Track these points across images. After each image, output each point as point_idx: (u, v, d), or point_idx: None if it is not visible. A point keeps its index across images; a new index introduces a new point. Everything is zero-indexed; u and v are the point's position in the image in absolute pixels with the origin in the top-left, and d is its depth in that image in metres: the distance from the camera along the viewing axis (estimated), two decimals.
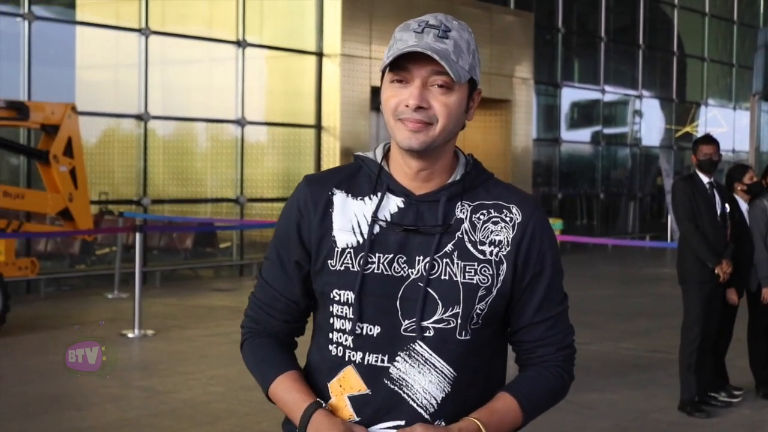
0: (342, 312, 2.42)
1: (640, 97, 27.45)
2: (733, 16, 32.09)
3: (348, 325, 2.41)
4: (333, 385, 2.43)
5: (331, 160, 17.64)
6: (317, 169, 17.80)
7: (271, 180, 18.11)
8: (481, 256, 2.39)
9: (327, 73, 17.90)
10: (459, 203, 2.43)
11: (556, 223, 21.37)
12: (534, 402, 2.45)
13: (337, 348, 2.43)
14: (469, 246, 2.40)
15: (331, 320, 2.45)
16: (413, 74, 2.33)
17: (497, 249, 2.40)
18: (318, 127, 17.86)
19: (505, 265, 2.40)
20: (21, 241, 13.71)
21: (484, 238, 2.40)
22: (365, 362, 2.39)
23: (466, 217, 2.42)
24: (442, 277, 2.37)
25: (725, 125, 31.11)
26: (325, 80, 17.92)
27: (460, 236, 2.40)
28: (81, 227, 12.43)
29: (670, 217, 24.07)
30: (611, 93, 26.29)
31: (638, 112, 27.70)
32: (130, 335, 10.63)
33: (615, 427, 7.53)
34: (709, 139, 8.10)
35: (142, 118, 16.04)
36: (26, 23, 14.56)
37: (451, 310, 2.37)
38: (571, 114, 25.28)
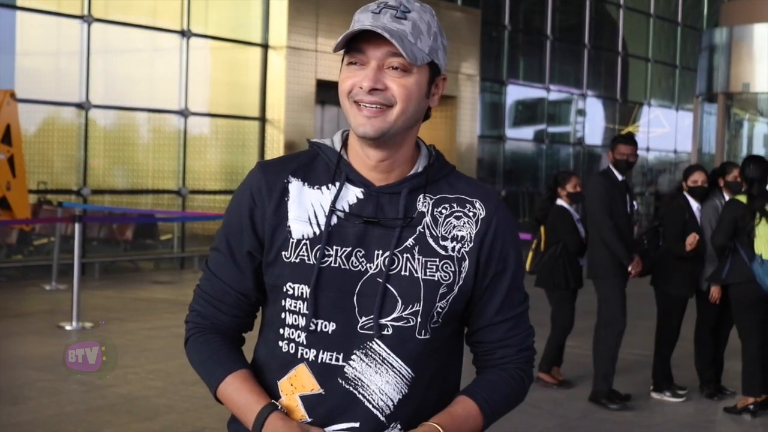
0: (295, 307, 2.30)
1: (584, 96, 27.60)
2: (677, 17, 32.36)
3: (302, 321, 2.29)
4: (283, 384, 2.31)
5: (275, 152, 17.49)
6: None
7: (213, 172, 17.96)
8: (443, 252, 2.30)
9: (272, 66, 17.76)
10: (421, 196, 2.33)
11: None
12: (495, 406, 2.36)
13: (288, 344, 2.31)
14: (430, 241, 2.30)
15: (283, 315, 2.32)
16: (368, 56, 2.24)
17: (459, 245, 2.31)
18: (262, 119, 17.71)
19: (467, 261, 2.31)
20: None
21: (446, 233, 2.31)
22: (319, 360, 2.28)
23: (427, 211, 2.32)
24: (402, 272, 2.27)
25: (668, 126, 31.38)
26: (270, 72, 17.78)
27: (422, 230, 2.30)
28: (18, 217, 12.22)
29: None
30: (556, 91, 26.41)
31: (582, 111, 27.86)
32: (68, 327, 10.44)
33: (561, 426, 7.51)
34: (629, 139, 8.17)
35: (83, 106, 15.79)
36: (15, 12, 14.30)
37: (411, 308, 2.27)
38: (515, 112, 25.35)
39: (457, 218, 2.33)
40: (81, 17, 15.81)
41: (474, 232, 2.32)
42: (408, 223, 2.30)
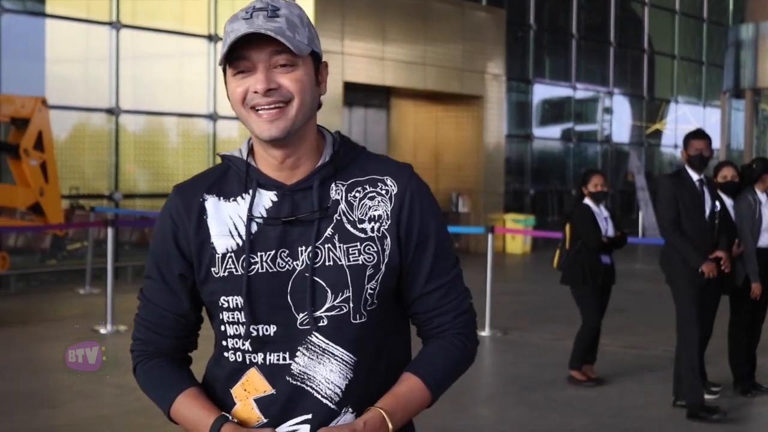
0: (233, 318, 2.36)
1: (610, 94, 27.52)
2: (702, 14, 32.24)
3: (242, 330, 2.35)
4: (237, 391, 2.38)
5: None
6: None
7: None
8: (362, 235, 2.34)
9: None
10: (333, 185, 2.36)
11: (528, 220, 21.48)
12: (438, 377, 2.40)
13: (235, 354, 2.38)
14: (348, 227, 2.34)
15: (223, 328, 2.39)
16: (254, 60, 2.27)
17: (378, 224, 2.35)
18: None
19: (389, 239, 2.35)
20: None
21: (362, 215, 2.34)
22: (267, 362, 2.34)
23: (342, 198, 2.35)
24: (327, 263, 2.31)
25: (695, 122, 31.24)
26: None
27: (338, 218, 2.34)
28: (52, 222, 12.33)
29: (641, 214, 24.17)
30: (582, 90, 26.36)
31: (609, 109, 27.78)
32: (103, 331, 10.54)
33: (594, 423, 7.51)
34: (700, 134, 7.81)
35: (113, 112, 15.91)
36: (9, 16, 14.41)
37: (342, 296, 2.31)
38: (542, 110, 25.31)
39: (371, 199, 2.36)
40: (109, 24, 15.93)
41: (389, 209, 2.35)
42: (324, 214, 2.33)
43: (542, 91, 25.10)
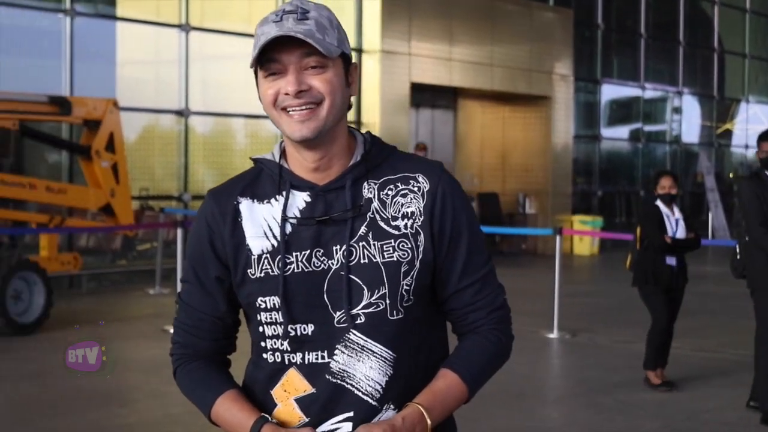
0: (271, 318, 2.39)
1: (680, 93, 27.23)
2: None
3: (280, 330, 2.38)
4: (277, 392, 2.40)
5: None
6: None
7: None
8: (396, 232, 2.36)
9: (367, 70, 17.86)
10: (365, 183, 2.39)
11: (595, 221, 21.31)
12: (475, 372, 2.42)
13: (273, 355, 2.40)
14: (382, 224, 2.36)
15: (261, 329, 2.42)
16: (284, 63, 2.30)
17: (411, 221, 2.37)
18: (358, 123, 17.82)
19: (422, 235, 2.37)
20: (63, 236, 13.76)
21: (395, 212, 2.37)
22: (306, 362, 2.36)
23: (374, 196, 2.38)
24: (362, 261, 2.34)
25: (766, 122, 30.80)
26: (364, 76, 17.87)
27: (372, 216, 2.37)
28: (122, 223, 12.46)
29: (710, 215, 23.89)
30: (651, 90, 26.11)
31: (678, 109, 27.49)
32: (172, 331, 10.63)
33: (666, 427, 7.44)
34: None
35: (182, 113, 16.07)
36: (68, 19, 14.62)
37: (378, 293, 2.34)
38: (610, 111, 25.11)
39: (404, 196, 2.38)
40: (179, 26, 16.09)
41: (422, 205, 2.38)
42: (357, 212, 2.36)
43: (610, 91, 24.90)
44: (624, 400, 8.13)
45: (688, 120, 28.08)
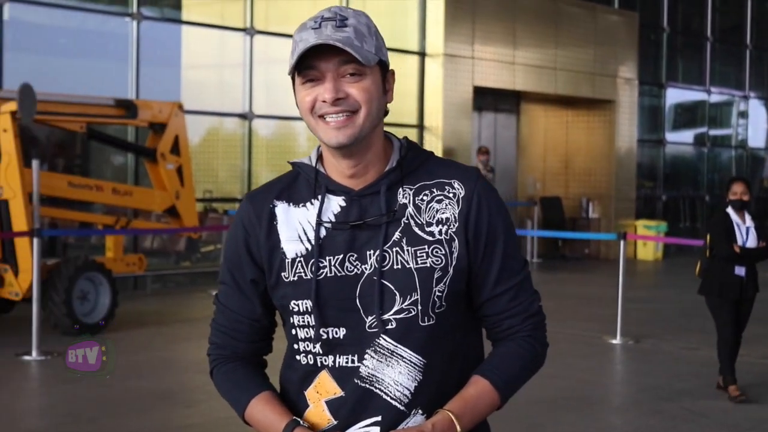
0: (304, 321, 2.40)
1: (746, 98, 26.89)
2: None
3: (312, 333, 2.40)
4: (310, 393, 2.43)
5: None
6: None
7: None
8: (430, 238, 2.36)
9: (429, 73, 17.86)
10: (401, 189, 2.39)
11: (659, 226, 21.12)
12: (508, 379, 2.41)
13: (306, 357, 2.43)
14: (416, 230, 2.36)
15: (294, 331, 2.44)
16: (322, 70, 2.31)
17: (446, 227, 2.37)
18: (420, 126, 17.82)
19: (456, 241, 2.37)
20: (128, 237, 13.90)
21: (430, 218, 2.37)
22: (337, 365, 2.38)
23: (409, 202, 2.38)
24: (395, 266, 2.34)
25: None
26: (427, 80, 17.88)
27: (406, 222, 2.37)
28: (187, 224, 12.56)
29: None
30: (717, 94, 25.81)
31: (744, 113, 27.15)
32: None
33: None
34: None
35: (246, 116, 16.17)
36: (135, 23, 14.77)
37: (410, 299, 2.34)
38: (675, 115, 24.86)
39: (439, 202, 2.38)
40: (243, 30, 16.20)
41: (457, 211, 2.37)
42: (392, 218, 2.36)
43: (675, 95, 24.64)
44: (689, 408, 8.04)
45: (754, 124, 27.71)
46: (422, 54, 17.93)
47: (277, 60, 17.29)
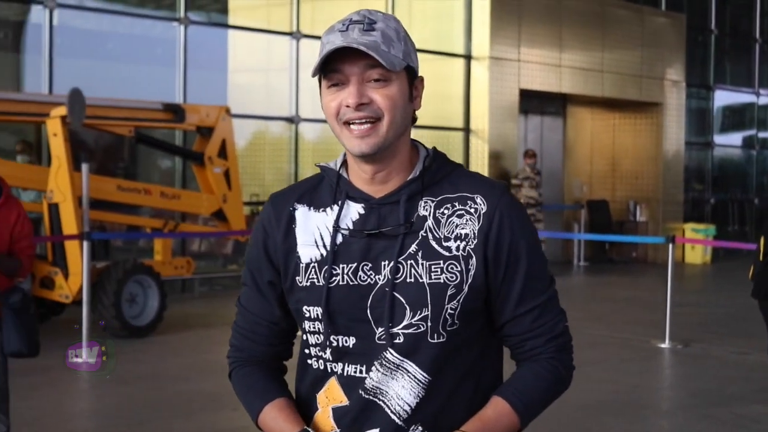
0: (315, 327, 2.37)
1: None
2: None
3: (322, 339, 2.36)
4: (320, 397, 2.40)
5: (480, 162, 17.54)
6: None
7: None
8: (446, 253, 2.30)
9: (475, 76, 17.83)
10: (422, 200, 2.34)
11: (708, 229, 20.95)
12: (529, 402, 2.35)
13: (317, 362, 2.40)
14: (433, 244, 2.30)
15: (305, 337, 2.42)
16: (347, 74, 2.27)
17: (464, 243, 2.30)
18: (466, 130, 17.80)
19: (474, 259, 2.30)
20: (177, 241, 13.99)
21: (449, 233, 2.31)
22: (345, 373, 2.35)
23: (429, 214, 2.32)
24: (408, 279, 2.29)
25: None
26: (473, 83, 17.85)
27: (424, 234, 2.31)
28: (234, 228, 12.62)
29: None
30: (766, 96, 25.56)
31: None
32: None
33: None
34: None
35: (292, 120, 16.22)
36: (182, 28, 14.87)
37: (420, 314, 2.28)
38: (723, 117, 24.65)
39: (459, 216, 2.32)
40: (290, 34, 16.25)
41: (477, 228, 2.31)
42: (409, 229, 2.31)
43: (723, 98, 24.43)
44: (740, 413, 7.96)
45: None
46: (468, 57, 17.90)
47: None
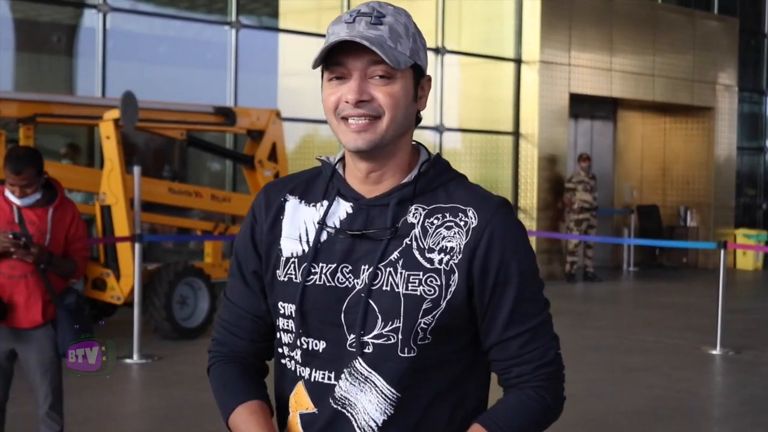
0: (287, 326, 2.27)
1: None
2: None
3: (293, 340, 2.26)
4: (291, 400, 2.29)
5: (529, 167, 17.49)
6: (515, 176, 17.72)
7: None
8: (428, 265, 2.17)
9: (525, 80, 17.77)
10: (413, 207, 2.21)
11: (760, 235, 20.73)
12: None
13: (290, 362, 2.29)
14: (416, 253, 2.18)
15: (279, 334, 2.31)
16: (349, 68, 2.17)
17: (448, 257, 2.17)
18: (516, 134, 17.74)
19: (456, 274, 2.16)
20: (226, 243, 14.05)
21: (434, 244, 2.17)
22: (312, 379, 2.24)
23: (418, 222, 2.20)
24: (384, 288, 2.17)
25: None
26: (523, 87, 17.79)
27: (408, 243, 2.18)
28: None
29: None
30: None
31: None
32: None
33: None
34: None
35: None
36: (233, 31, 14.96)
37: (391, 325, 2.16)
38: None
39: (448, 228, 2.19)
40: None
41: (464, 242, 2.17)
42: (393, 234, 2.19)
43: None
44: None
45: None
46: (518, 61, 17.85)
47: None
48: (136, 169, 10.44)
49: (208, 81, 15.70)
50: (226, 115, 12.14)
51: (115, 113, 10.57)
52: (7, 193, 5.64)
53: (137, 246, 9.94)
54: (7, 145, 10.29)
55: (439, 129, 17.27)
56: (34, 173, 5.60)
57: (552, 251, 17.81)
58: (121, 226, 10.66)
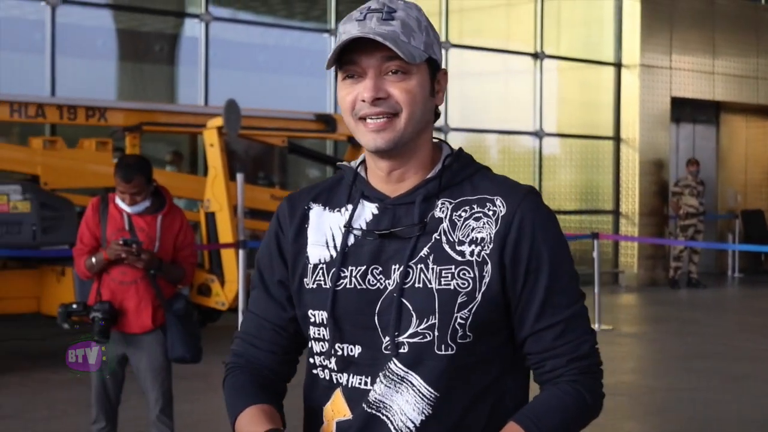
0: (319, 334, 2.22)
1: None
2: None
3: (327, 347, 2.20)
4: (326, 410, 2.23)
5: (630, 172, 17.30)
6: (616, 182, 17.55)
7: (568, 192, 17.95)
8: (459, 258, 2.12)
9: (625, 84, 17.59)
10: (439, 202, 2.17)
11: None
12: (545, 429, 2.11)
13: (323, 371, 2.23)
14: (446, 247, 2.13)
15: (311, 344, 2.26)
16: (363, 66, 2.12)
17: (479, 248, 2.12)
18: (616, 138, 17.56)
19: (489, 265, 2.12)
20: None
21: (464, 237, 2.13)
22: (349, 385, 2.18)
23: (445, 216, 2.15)
24: (416, 285, 2.12)
25: None
26: (623, 91, 17.61)
27: (438, 237, 2.14)
28: None
29: None
30: None
31: None
32: None
33: None
34: None
35: (441, 130, 16.24)
36: (332, 39, 15.05)
37: (426, 322, 2.11)
38: None
39: (477, 219, 2.14)
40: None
41: (494, 232, 2.13)
42: (422, 230, 2.14)
43: None
44: None
45: None
46: (618, 65, 17.68)
47: (471, 73, 17.35)
48: (240, 176, 10.55)
49: (308, 88, 15.82)
50: (327, 122, 12.21)
51: (218, 121, 10.70)
52: (118, 201, 5.73)
53: (241, 252, 10.04)
54: (113, 154, 10.48)
55: (539, 134, 17.17)
56: (143, 181, 5.69)
57: (656, 257, 17.60)
58: (225, 233, 10.77)
